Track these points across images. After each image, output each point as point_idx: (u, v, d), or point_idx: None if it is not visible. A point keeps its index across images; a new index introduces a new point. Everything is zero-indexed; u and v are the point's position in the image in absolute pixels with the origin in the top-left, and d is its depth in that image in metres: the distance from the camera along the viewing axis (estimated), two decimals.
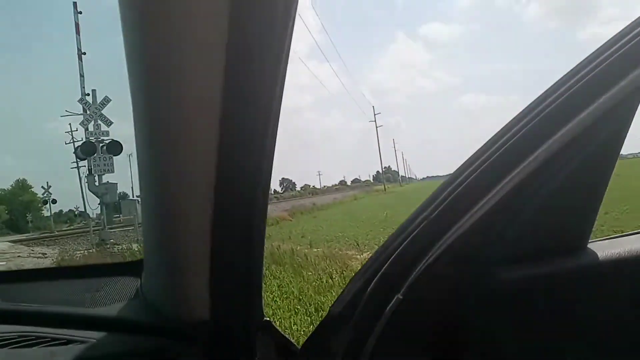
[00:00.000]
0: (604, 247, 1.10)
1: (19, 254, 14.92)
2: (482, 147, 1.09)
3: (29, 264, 11.84)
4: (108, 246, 12.91)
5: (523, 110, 1.07)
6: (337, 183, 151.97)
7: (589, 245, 1.12)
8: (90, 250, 12.73)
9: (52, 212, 50.48)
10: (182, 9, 0.77)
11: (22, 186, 71.91)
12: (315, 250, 15.21)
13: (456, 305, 1.11)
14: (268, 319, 1.35)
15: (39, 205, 56.81)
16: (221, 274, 1.19)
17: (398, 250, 1.10)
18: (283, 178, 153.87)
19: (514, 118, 1.08)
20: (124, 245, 12.86)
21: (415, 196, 55.33)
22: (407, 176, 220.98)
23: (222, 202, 1.06)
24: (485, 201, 1.03)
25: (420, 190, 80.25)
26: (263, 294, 1.30)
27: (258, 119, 0.97)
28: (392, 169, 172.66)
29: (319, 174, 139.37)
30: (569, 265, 1.08)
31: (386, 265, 1.10)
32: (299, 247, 15.60)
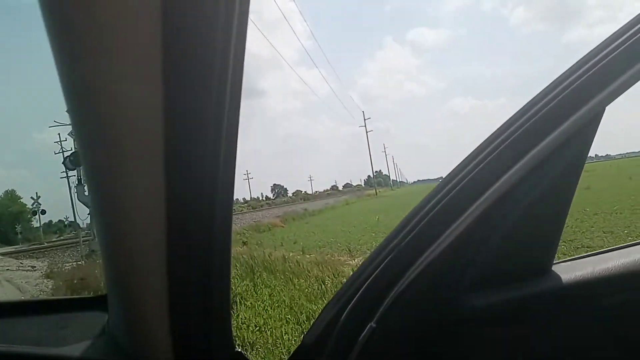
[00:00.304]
0: (568, 269, 1.13)
1: (7, 268, 14.81)
2: (446, 176, 1.11)
3: (18, 277, 11.75)
4: (98, 258, 12.77)
5: (486, 140, 1.10)
6: (328, 188, 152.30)
7: (554, 268, 1.14)
8: (79, 262, 12.63)
9: (42, 223, 50.21)
10: (110, 11, 0.69)
11: (11, 197, 71.34)
12: (307, 256, 15.17)
13: (429, 333, 1.11)
14: (239, 350, 1.27)
15: (29, 216, 56.44)
16: (182, 307, 1.09)
17: (371, 277, 1.09)
18: (274, 184, 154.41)
19: (477, 148, 1.10)
20: None
21: (406, 200, 55.72)
22: (398, 180, 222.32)
23: (179, 229, 0.96)
24: (453, 228, 1.04)
25: (411, 193, 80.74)
26: (233, 321, 1.22)
27: (208, 127, 0.87)
28: (383, 173, 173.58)
29: (311, 180, 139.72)
30: (535, 289, 1.09)
31: (360, 292, 1.09)
32: (291, 254, 15.55)
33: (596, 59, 1.00)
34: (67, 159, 13.81)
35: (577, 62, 1.03)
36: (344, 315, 1.10)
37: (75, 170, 13.96)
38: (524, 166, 1.01)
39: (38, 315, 1.57)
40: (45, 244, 34.28)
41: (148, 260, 0.99)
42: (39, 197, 48.31)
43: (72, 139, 13.99)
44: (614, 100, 0.98)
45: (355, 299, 1.10)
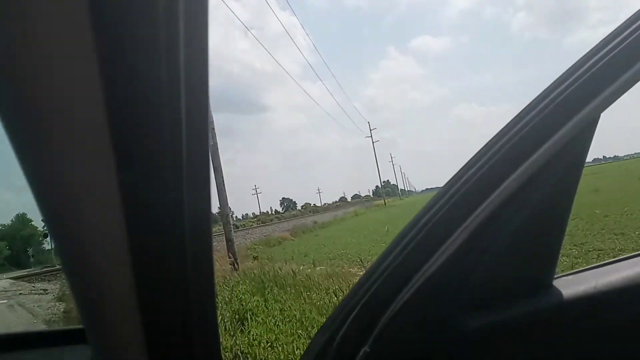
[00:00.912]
0: (569, 284, 1.07)
1: (20, 292, 14.92)
2: (441, 188, 1.07)
3: (30, 301, 11.84)
4: None
5: (479, 150, 1.06)
6: (337, 200, 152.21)
7: (555, 283, 1.08)
8: None
9: (53, 246, 50.29)
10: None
11: (22, 220, 71.87)
12: (318, 269, 15.11)
13: (425, 356, 1.06)
14: None
15: (40, 238, 56.72)
16: (157, 332, 0.93)
17: (365, 297, 1.05)
18: (283, 198, 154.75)
19: (470, 160, 1.05)
20: None
21: (414, 209, 54.87)
22: (406, 189, 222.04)
23: (144, 249, 0.82)
24: (448, 244, 0.99)
25: (420, 202, 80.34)
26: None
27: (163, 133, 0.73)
28: (392, 183, 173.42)
29: (319, 192, 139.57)
30: (536, 306, 1.04)
31: (353, 314, 1.04)
32: (302, 267, 15.50)
33: (591, 62, 0.97)
34: None
35: (572, 66, 0.99)
36: (337, 339, 1.05)
37: None
38: (520, 176, 0.97)
39: (25, 349, 1.51)
40: (57, 266, 34.40)
41: (115, 290, 0.84)
42: None
43: None
44: (609, 105, 0.95)
45: (348, 321, 1.05)
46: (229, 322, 7.39)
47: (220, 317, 8.29)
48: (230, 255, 15.93)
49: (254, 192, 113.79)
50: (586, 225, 13.79)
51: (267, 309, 8.30)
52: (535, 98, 1.02)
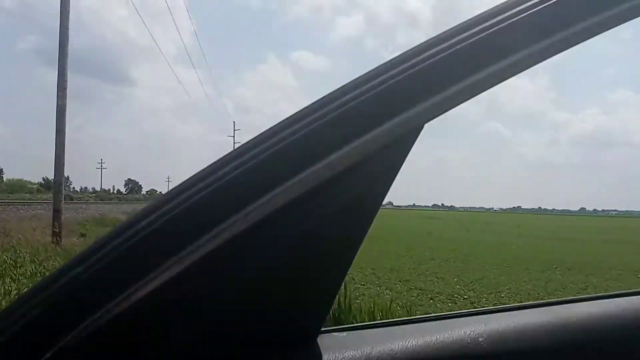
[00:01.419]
0: (336, 342, 0.82)
1: None
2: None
3: None
4: None
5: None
6: None
7: (320, 339, 0.81)
8: None
9: None
10: None
11: None
12: None
13: None
14: None
15: None
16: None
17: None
18: (129, 179, 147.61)
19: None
20: None
21: None
22: None
23: None
24: (149, 279, 0.64)
25: None
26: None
27: None
28: None
29: (168, 181, 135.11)
30: None
31: None
32: None
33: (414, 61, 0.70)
34: None
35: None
36: None
37: None
38: (291, 189, 0.67)
39: None
40: None
41: None
42: None
43: None
44: (437, 115, 0.69)
45: None
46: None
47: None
48: (56, 227, 14.70)
49: (99, 166, 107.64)
50: (414, 264, 14.70)
51: None
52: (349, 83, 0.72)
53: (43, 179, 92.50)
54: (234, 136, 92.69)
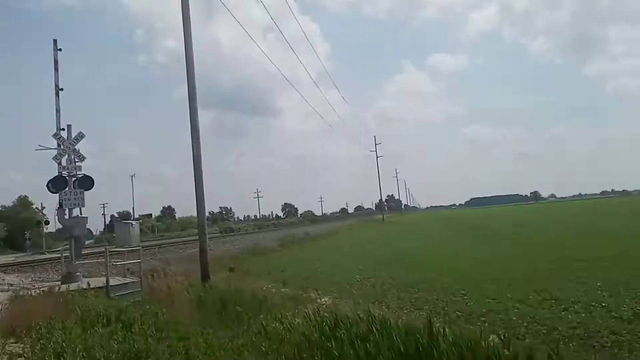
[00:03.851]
0: None
1: None
2: None
3: None
4: (60, 286, 12.84)
5: None
6: (338, 211, 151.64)
7: None
8: (46, 287, 12.67)
9: (45, 233, 50.38)
10: None
11: (23, 203, 72.04)
12: (283, 290, 15.19)
13: None
14: None
15: (36, 223, 56.66)
16: None
17: None
18: (285, 203, 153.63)
19: None
20: (80, 284, 12.87)
21: (409, 228, 55.52)
22: (410, 205, 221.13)
23: None
24: None
25: (420, 220, 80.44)
26: None
27: None
28: (396, 198, 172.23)
29: (321, 200, 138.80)
30: None
31: None
32: (269, 285, 15.58)
33: None
34: (50, 183, 14.17)
35: None
36: None
37: (58, 194, 14.30)
38: None
39: None
40: (46, 254, 34.70)
41: None
42: (44, 207, 48.63)
43: (57, 163, 14.35)
44: None
45: None
46: None
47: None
48: (203, 266, 16.00)
49: (255, 195, 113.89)
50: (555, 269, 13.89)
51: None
52: None
53: (210, 212, 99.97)
54: (375, 150, 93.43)
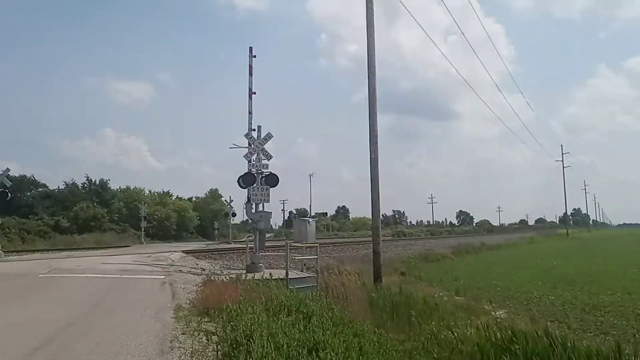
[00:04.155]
0: None
1: (181, 268, 16.59)
2: None
3: (182, 281, 12.85)
4: (245, 274, 13.82)
5: None
6: (517, 222, 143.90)
7: None
8: (235, 273, 13.73)
9: (231, 224, 54.39)
10: None
11: (213, 195, 78.85)
12: (456, 298, 14.89)
13: None
14: None
15: (224, 214, 61.56)
16: None
17: None
18: (460, 211, 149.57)
19: None
20: (261, 274, 13.78)
21: (600, 245, 50.71)
22: (599, 220, 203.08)
23: None
24: None
25: (610, 238, 73.04)
26: None
27: None
28: (583, 212, 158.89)
29: (499, 210, 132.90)
30: None
31: None
32: (441, 293, 15.38)
33: None
34: (240, 179, 15.34)
35: None
36: None
37: (247, 190, 15.43)
38: None
39: None
40: (232, 244, 37.70)
41: None
42: (232, 200, 52.50)
43: (247, 161, 15.50)
44: None
45: None
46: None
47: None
48: (376, 267, 16.28)
49: (429, 201, 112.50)
50: None
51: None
52: None
53: (383, 215, 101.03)
54: (562, 160, 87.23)
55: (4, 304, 9.50)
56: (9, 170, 25.20)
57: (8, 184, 23.81)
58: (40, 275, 14.56)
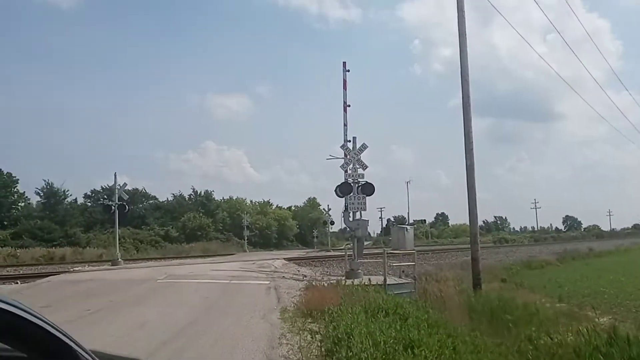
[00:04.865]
0: None
1: (283, 275, 17.34)
2: None
3: (285, 286, 13.44)
4: (345, 280, 14.30)
5: None
6: (629, 227, 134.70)
7: None
8: (335, 279, 14.25)
9: (330, 232, 55.57)
10: None
11: (311, 204, 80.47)
12: (559, 305, 14.62)
13: None
14: None
15: (322, 223, 62.74)
16: None
17: None
18: (567, 216, 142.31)
19: None
20: (361, 280, 14.20)
21: None
22: None
23: None
24: None
25: None
26: None
27: None
28: None
29: (609, 214, 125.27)
30: None
31: None
32: (543, 300, 15.14)
33: None
34: (338, 188, 15.97)
35: None
36: None
37: (343, 198, 16.04)
38: None
39: None
40: (331, 252, 38.43)
41: None
42: (330, 209, 53.59)
43: (343, 171, 16.10)
44: None
45: None
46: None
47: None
48: (475, 274, 16.28)
49: (533, 206, 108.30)
50: None
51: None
52: None
53: (483, 222, 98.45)
54: None
55: (133, 305, 10.81)
56: (126, 184, 27.61)
57: (125, 197, 26.12)
58: (158, 281, 15.93)
